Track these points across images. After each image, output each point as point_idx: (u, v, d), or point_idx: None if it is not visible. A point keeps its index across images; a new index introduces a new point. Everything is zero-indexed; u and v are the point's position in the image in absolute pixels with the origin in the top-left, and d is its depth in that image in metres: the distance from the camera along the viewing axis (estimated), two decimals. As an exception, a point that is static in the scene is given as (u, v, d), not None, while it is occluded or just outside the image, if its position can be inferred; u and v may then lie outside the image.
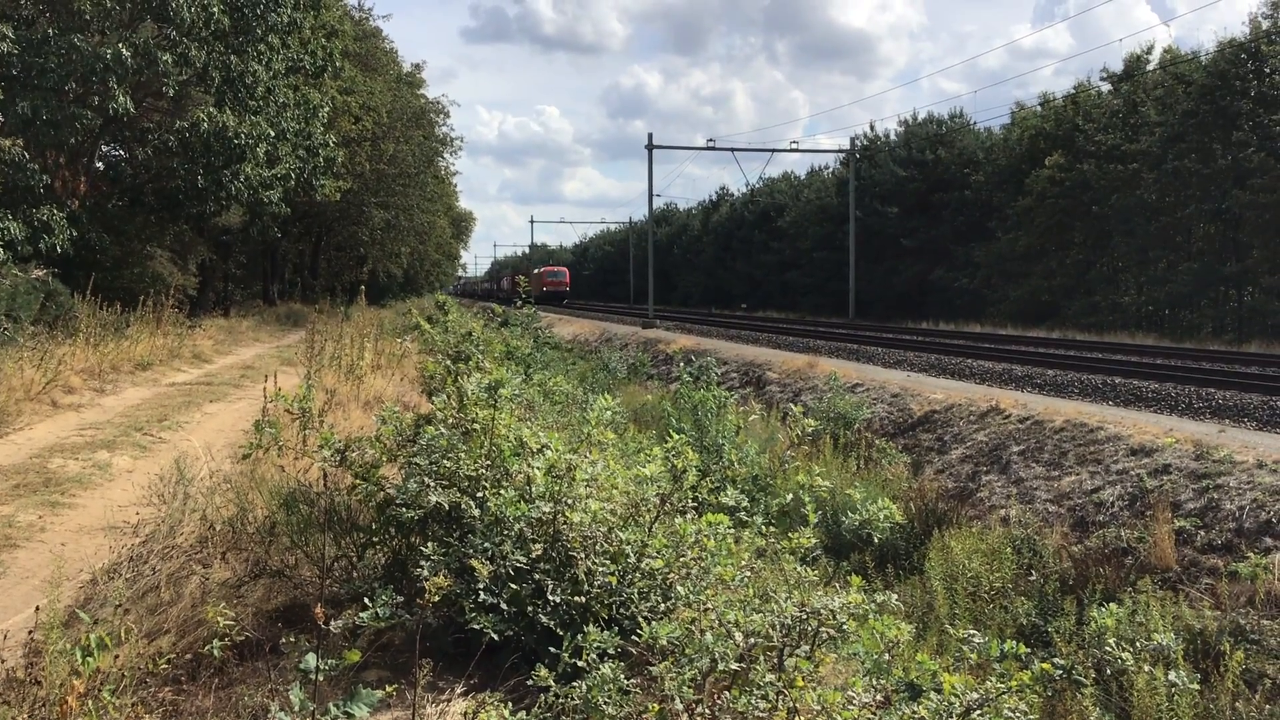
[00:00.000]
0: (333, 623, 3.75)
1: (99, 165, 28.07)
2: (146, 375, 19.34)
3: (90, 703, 4.03)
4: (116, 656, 4.48)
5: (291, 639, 3.92)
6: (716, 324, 46.36)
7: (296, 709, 3.28)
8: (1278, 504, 9.83)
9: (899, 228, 59.00)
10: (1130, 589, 9.10)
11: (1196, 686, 6.97)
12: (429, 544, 4.81)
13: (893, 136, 65.40)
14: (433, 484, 5.20)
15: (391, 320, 34.01)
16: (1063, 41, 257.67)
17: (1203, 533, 10.09)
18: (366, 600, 4.31)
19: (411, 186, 53.31)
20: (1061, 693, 7.08)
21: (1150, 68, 46.14)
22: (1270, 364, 21.67)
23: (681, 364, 16.05)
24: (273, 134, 26.55)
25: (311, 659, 3.38)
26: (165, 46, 22.94)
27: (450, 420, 5.81)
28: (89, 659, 4.14)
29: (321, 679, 3.44)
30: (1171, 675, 6.64)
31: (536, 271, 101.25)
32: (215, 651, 4.23)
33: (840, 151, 60.61)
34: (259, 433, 5.73)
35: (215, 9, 23.04)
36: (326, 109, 32.27)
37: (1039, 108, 52.59)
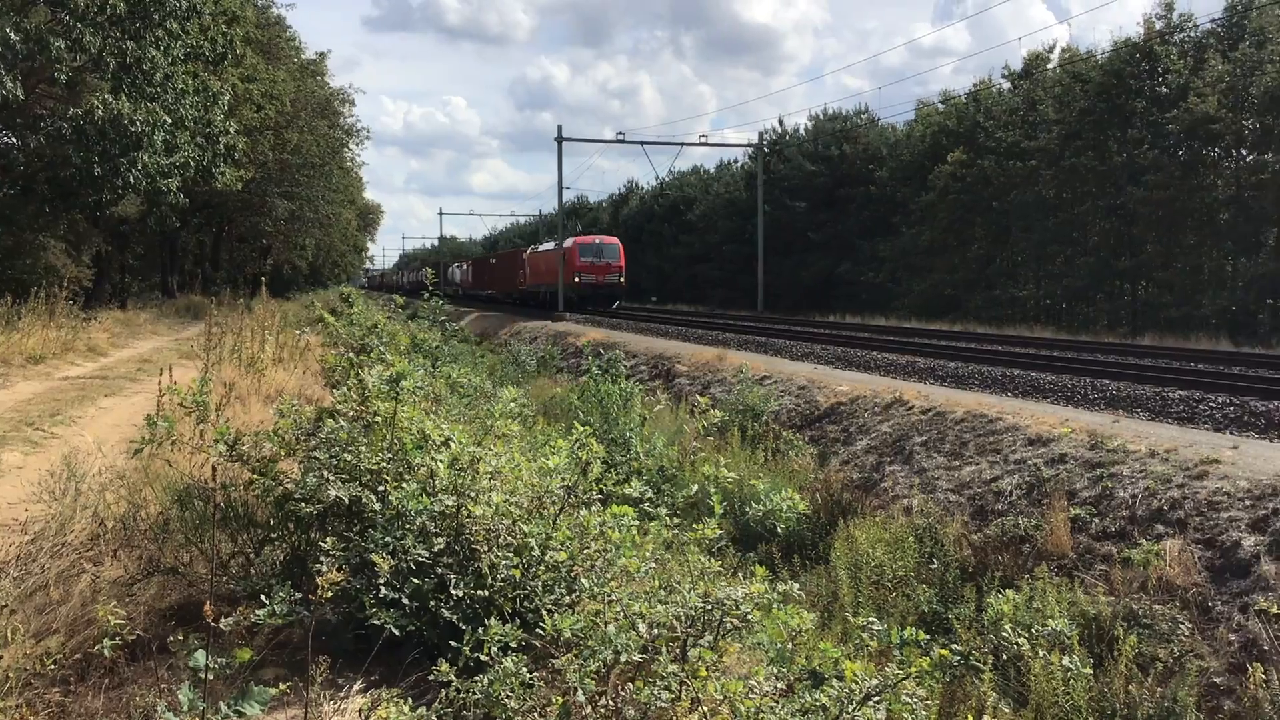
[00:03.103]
0: (224, 620, 3.66)
1: (-11, 153, 27.15)
2: (39, 369, 18.77)
3: (-28, 706, 3.89)
4: (1, 657, 4.34)
5: (180, 637, 3.82)
6: (626, 317, 46.32)
7: (186, 708, 3.19)
8: (1169, 492, 10.11)
9: (807, 222, 59.66)
10: (1028, 576, 9.29)
11: (1090, 670, 7.15)
12: (328, 539, 4.73)
13: (801, 132, 66.11)
14: (332, 478, 5.11)
15: (295, 313, 33.47)
16: (961, 40, 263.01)
17: (1097, 520, 10.34)
18: (264, 597, 4.22)
19: (316, 177, 52.52)
20: (961, 678, 7.22)
21: (1050, 66, 47.27)
22: (1162, 356, 22.31)
23: (590, 357, 16.02)
24: (170, 121, 25.89)
25: (201, 656, 3.29)
26: (58, 32, 22.25)
27: (351, 413, 5.73)
28: (-29, 661, 4.00)
29: (213, 677, 3.35)
30: (1065, 660, 6.80)
31: (548, 248, 54.84)
32: (106, 651, 4.11)
33: (749, 146, 61.27)
34: (151, 427, 5.58)
35: (111, -7, 22.39)
36: (227, 96, 31.59)
37: (940, 105, 53.56)
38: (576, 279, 48.14)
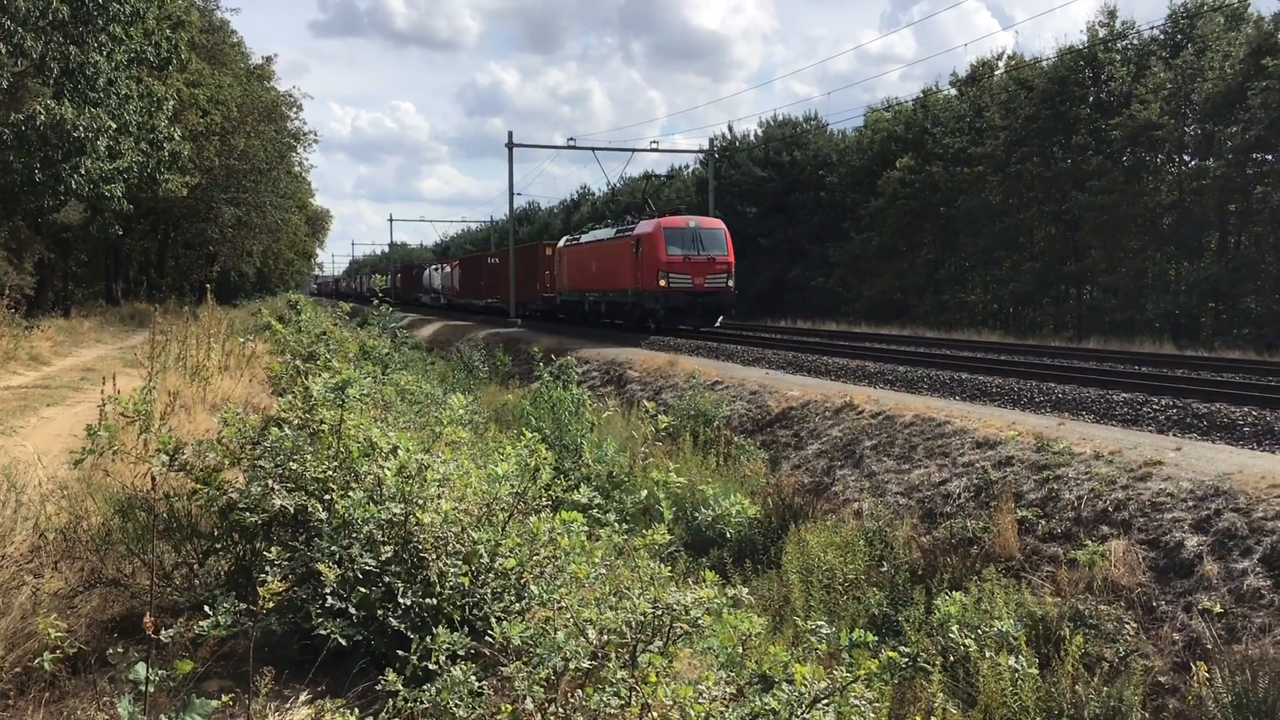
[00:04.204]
0: (164, 632, 3.60)
1: (-74, 158, 26.64)
2: (-22, 379, 18.43)
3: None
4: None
5: (120, 650, 3.75)
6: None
7: (125, 722, 3.13)
8: (1114, 493, 10.24)
9: (757, 227, 59.90)
10: (976, 577, 9.37)
11: (1036, 671, 7.22)
12: (273, 549, 4.67)
13: (751, 138, 66.44)
14: (277, 487, 5.05)
15: (242, 320, 33.11)
16: (908, 47, 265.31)
17: (1044, 522, 10.46)
18: (208, 608, 4.17)
19: (263, 182, 52.06)
20: (911, 680, 7.26)
21: (998, 74, 47.90)
22: (1107, 359, 22.60)
23: (542, 363, 15.98)
24: (114, 127, 25.57)
25: (141, 669, 3.24)
26: (-2, 36, 21.92)
27: (297, 421, 5.67)
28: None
29: (155, 690, 3.30)
30: (1013, 660, 6.85)
31: (602, 236, 38.94)
32: (46, 664, 4.06)
33: (699, 152, 61.23)
34: (92, 437, 5.49)
35: (53, -3, 22.07)
36: (172, 102, 31.26)
37: (888, 112, 54.05)
38: (663, 282, 31.58)
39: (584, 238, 41.56)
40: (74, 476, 7.37)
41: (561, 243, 44.44)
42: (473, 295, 59.15)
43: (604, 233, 39.24)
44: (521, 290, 49.12)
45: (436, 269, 78.09)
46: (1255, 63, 33.49)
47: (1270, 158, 34.23)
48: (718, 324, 33.55)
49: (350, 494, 4.94)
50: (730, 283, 32.57)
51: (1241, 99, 33.82)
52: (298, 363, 7.06)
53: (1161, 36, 39.87)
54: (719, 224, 34.04)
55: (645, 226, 33.83)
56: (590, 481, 9.20)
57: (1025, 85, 43.02)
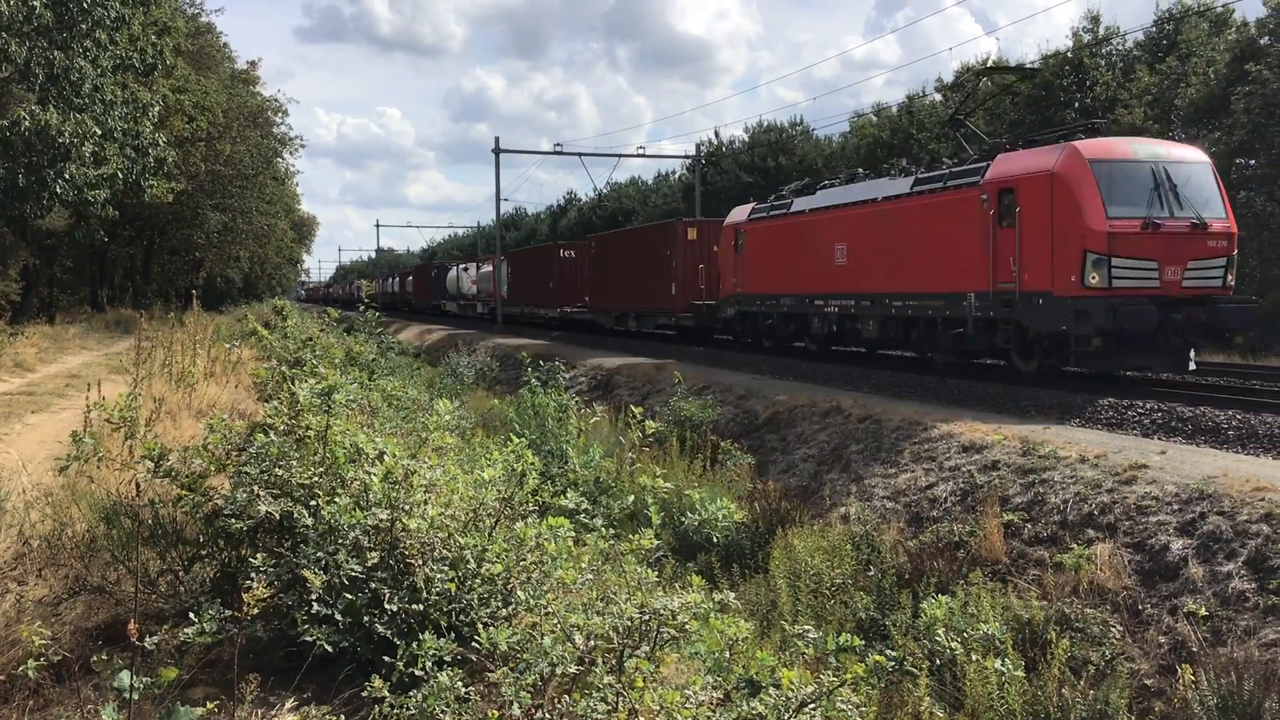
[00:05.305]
0: (148, 639, 3.59)
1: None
2: (-38, 386, 18.34)
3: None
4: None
5: (103, 657, 3.73)
6: (567, 328, 46.05)
7: (110, 730, 3.12)
8: (1099, 497, 10.27)
9: (744, 233, 59.81)
10: (963, 581, 9.38)
11: (1022, 674, 7.24)
12: (259, 555, 4.66)
13: (737, 144, 66.58)
14: (263, 493, 5.04)
15: (229, 326, 33.05)
16: (892, 53, 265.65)
17: (1030, 526, 10.49)
18: (193, 615, 4.15)
19: (249, 188, 51.90)
20: (898, 684, 7.27)
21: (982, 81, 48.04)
22: (1092, 363, 22.63)
23: (529, 369, 15.97)
24: (99, 133, 25.47)
25: (125, 676, 3.22)
26: (-19, 41, 21.81)
27: (283, 427, 5.65)
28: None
29: (139, 697, 3.29)
30: (999, 664, 6.87)
31: (914, 187, 19.32)
32: (30, 672, 4.03)
33: (686, 158, 61.25)
34: (77, 444, 5.47)
35: (37, 3, 21.97)
36: (157, 108, 31.17)
37: (874, 117, 54.17)
38: (1094, 277, 15.28)
39: (799, 202, 24.23)
40: (59, 483, 7.35)
41: (743, 215, 27.03)
42: (534, 302, 45.14)
43: (872, 186, 21.72)
44: (635, 295, 34.19)
45: (465, 269, 63.17)
46: (1238, 68, 33.65)
47: (1253, 163, 34.39)
48: (1192, 366, 16.78)
49: (336, 500, 4.94)
50: (1230, 277, 16.24)
51: (1225, 104, 33.97)
52: (284, 368, 7.04)
53: (1148, 40, 40.04)
54: (1199, 154, 17.16)
55: (1032, 159, 16.94)
56: (577, 487, 9.20)
57: (1009, 90, 43.14)
